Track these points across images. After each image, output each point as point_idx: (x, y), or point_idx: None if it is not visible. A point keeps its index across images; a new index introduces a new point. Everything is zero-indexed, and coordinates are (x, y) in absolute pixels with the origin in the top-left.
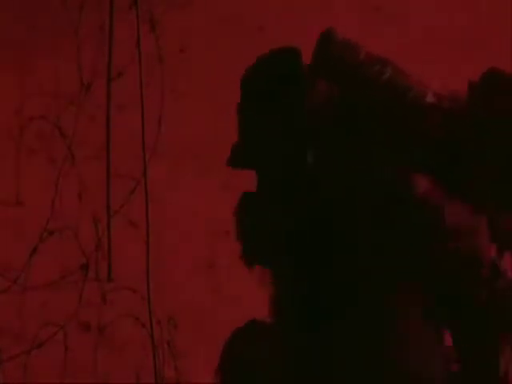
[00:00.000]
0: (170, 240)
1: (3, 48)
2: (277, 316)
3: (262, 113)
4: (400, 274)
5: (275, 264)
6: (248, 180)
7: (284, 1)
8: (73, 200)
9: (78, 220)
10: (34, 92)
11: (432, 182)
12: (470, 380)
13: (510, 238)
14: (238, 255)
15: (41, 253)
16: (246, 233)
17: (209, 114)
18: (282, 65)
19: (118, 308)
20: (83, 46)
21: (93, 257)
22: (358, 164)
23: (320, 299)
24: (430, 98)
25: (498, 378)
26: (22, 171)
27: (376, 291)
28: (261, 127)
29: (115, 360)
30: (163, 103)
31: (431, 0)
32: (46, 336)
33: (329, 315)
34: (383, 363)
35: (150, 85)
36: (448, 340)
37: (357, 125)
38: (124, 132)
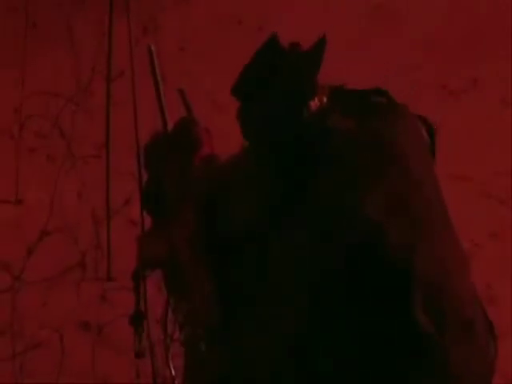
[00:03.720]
0: None
1: (3, 47)
2: None
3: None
4: None
5: None
6: None
7: (284, 1)
8: (72, 199)
9: (77, 219)
10: (34, 91)
11: None
12: None
13: None
14: None
15: (40, 252)
16: None
17: (208, 114)
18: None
19: (117, 308)
20: (83, 45)
21: (92, 256)
22: None
23: None
24: None
25: None
26: (22, 170)
27: None
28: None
29: (114, 359)
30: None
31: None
32: (44, 335)
33: None
34: None
35: (149, 83)
36: None
37: None
38: (124, 130)
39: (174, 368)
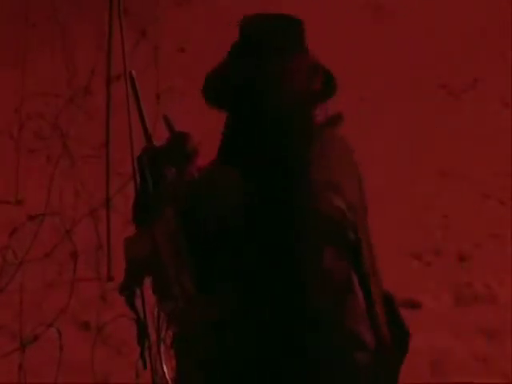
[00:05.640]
0: None
1: (3, 47)
2: None
3: None
4: None
5: None
6: None
7: (284, 1)
8: (72, 199)
9: (77, 219)
10: (33, 91)
11: None
12: None
13: None
14: None
15: (39, 252)
16: None
17: (207, 114)
18: None
19: (117, 307)
20: (82, 46)
21: (92, 256)
22: None
23: None
24: None
25: None
26: (21, 170)
27: None
28: None
29: (114, 359)
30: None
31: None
32: (44, 335)
33: None
34: None
35: (148, 83)
36: None
37: None
38: (123, 130)
39: (167, 368)
